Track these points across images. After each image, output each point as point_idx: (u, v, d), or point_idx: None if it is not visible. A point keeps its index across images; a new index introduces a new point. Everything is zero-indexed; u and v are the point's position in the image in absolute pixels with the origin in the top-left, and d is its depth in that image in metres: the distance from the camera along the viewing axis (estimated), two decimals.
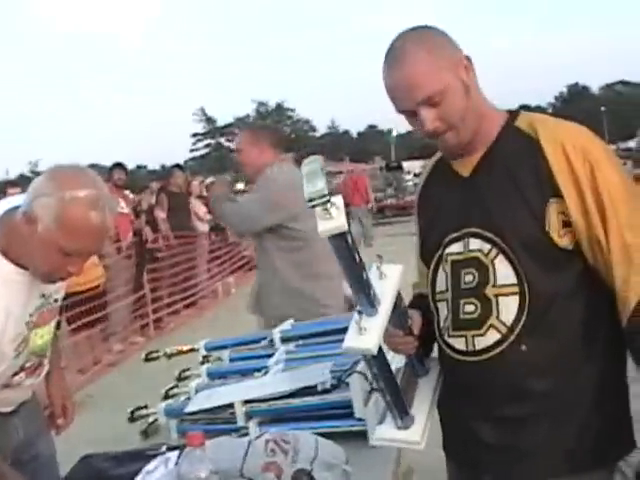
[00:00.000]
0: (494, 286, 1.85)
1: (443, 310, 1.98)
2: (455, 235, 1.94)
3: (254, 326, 4.41)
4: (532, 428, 1.85)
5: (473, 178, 1.93)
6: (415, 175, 48.15)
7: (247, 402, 2.53)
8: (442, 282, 1.98)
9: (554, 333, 1.83)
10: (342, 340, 3.00)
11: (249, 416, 2.50)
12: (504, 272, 1.84)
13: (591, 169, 1.77)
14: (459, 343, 1.92)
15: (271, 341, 3.13)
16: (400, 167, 51.06)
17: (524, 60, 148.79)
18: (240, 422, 2.50)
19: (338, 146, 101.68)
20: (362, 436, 2.36)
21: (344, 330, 3.01)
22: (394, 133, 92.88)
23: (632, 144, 49.08)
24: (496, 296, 1.85)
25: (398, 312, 1.90)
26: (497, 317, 1.85)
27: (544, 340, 1.83)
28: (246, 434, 2.40)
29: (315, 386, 2.49)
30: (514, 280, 1.83)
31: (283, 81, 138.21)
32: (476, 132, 1.89)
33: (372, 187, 26.74)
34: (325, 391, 2.48)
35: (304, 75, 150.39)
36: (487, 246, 1.87)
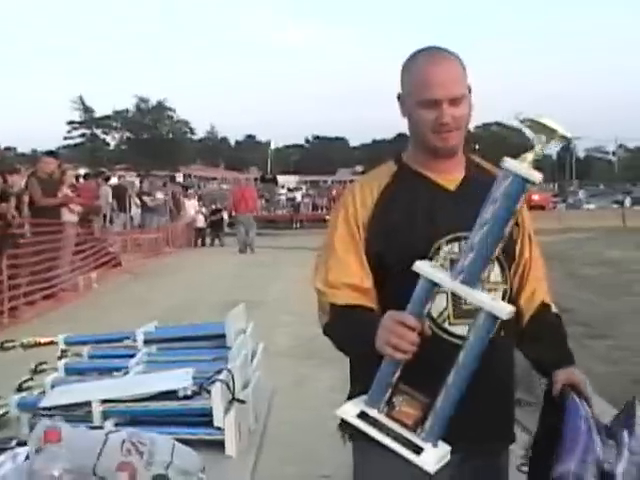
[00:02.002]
0: (488, 282, 2.20)
1: (441, 301, 2.18)
2: (451, 237, 2.22)
3: (115, 324, 4.33)
4: (500, 400, 2.28)
5: (460, 192, 2.29)
6: (289, 190, 48.60)
7: (105, 402, 2.47)
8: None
9: (513, 324, 2.27)
10: (207, 346, 3.00)
11: (106, 416, 2.44)
12: (495, 271, 2.27)
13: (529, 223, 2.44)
14: (461, 330, 2.16)
15: (134, 341, 3.07)
16: (275, 180, 51.30)
17: None
18: (96, 421, 2.43)
19: (215, 152, 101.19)
20: (219, 445, 2.35)
21: (208, 337, 3.00)
22: (272, 146, 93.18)
23: None
24: (489, 291, 2.16)
25: None
26: None
27: (511, 329, 2.29)
28: None
29: (176, 391, 2.45)
30: (500, 279, 2.29)
31: (167, 80, 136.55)
32: (460, 143, 2.28)
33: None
34: (186, 397, 2.45)
35: (188, 77, 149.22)
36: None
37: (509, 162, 1.90)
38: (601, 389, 6.26)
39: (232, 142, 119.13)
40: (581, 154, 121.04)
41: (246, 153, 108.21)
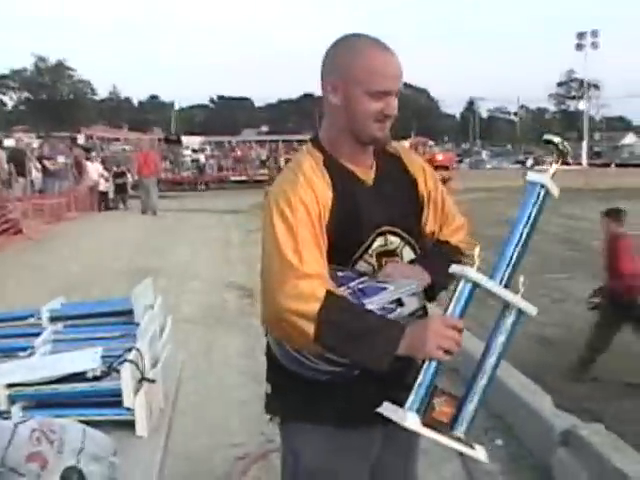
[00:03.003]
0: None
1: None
2: (377, 232, 2.28)
3: (17, 296, 4.23)
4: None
5: (376, 187, 2.32)
6: (194, 151, 48.02)
7: (11, 385, 2.42)
8: (366, 271, 2.26)
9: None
10: (115, 323, 2.96)
11: (12, 400, 2.40)
12: (409, 258, 2.35)
13: (435, 182, 2.46)
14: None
15: (39, 319, 3.01)
16: (179, 141, 50.53)
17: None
18: (2, 406, 2.39)
19: (118, 113, 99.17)
20: (130, 426, 2.34)
21: (116, 313, 2.96)
22: (176, 106, 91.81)
23: (406, 144, 51.71)
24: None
25: None
26: None
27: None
28: (8, 419, 2.31)
29: (85, 372, 2.43)
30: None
31: (67, 39, 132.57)
32: None
33: None
34: (95, 378, 2.43)
35: (90, 36, 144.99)
36: (398, 240, 2.32)
37: (538, 177, 2.11)
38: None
39: (135, 102, 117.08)
40: (484, 115, 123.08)
41: (150, 114, 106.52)
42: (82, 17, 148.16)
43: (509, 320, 2.07)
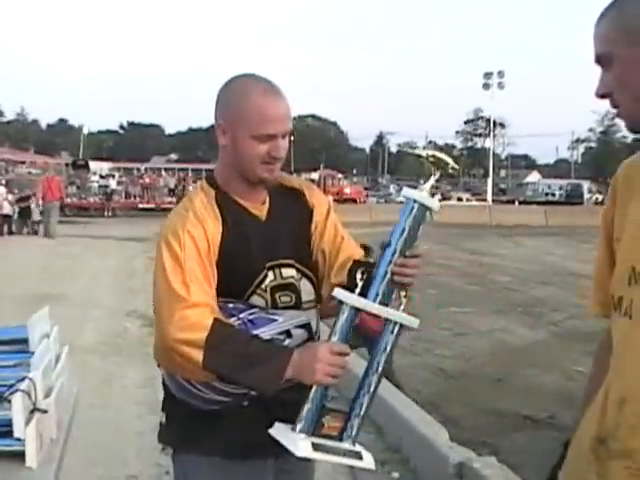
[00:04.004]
0: (303, 303, 2.34)
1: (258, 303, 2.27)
2: (268, 265, 2.30)
3: None
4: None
5: (269, 223, 2.34)
6: (102, 177, 47.40)
7: None
8: (260, 305, 2.28)
9: None
10: (8, 351, 2.91)
11: None
12: (308, 291, 2.37)
13: (329, 212, 2.47)
14: None
15: None
16: (87, 166, 49.87)
17: None
18: None
19: (25, 135, 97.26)
20: (20, 456, 2.31)
21: (11, 341, 2.92)
22: (85, 130, 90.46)
23: (315, 176, 52.15)
24: (305, 310, 2.34)
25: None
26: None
27: None
28: None
29: None
30: (313, 296, 2.39)
31: None
32: None
33: None
34: None
35: None
36: (294, 272, 2.35)
37: (411, 192, 2.09)
38: (404, 380, 6.57)
39: (43, 125, 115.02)
40: (394, 149, 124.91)
41: (58, 137, 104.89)
42: None
43: (390, 336, 2.10)
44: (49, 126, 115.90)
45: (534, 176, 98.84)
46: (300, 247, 2.39)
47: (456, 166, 2.16)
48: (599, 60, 1.76)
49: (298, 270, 2.37)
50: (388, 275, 2.07)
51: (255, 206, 2.34)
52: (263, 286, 2.29)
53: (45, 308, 3.15)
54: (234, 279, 2.24)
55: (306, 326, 2.28)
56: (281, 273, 2.33)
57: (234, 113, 2.22)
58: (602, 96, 1.76)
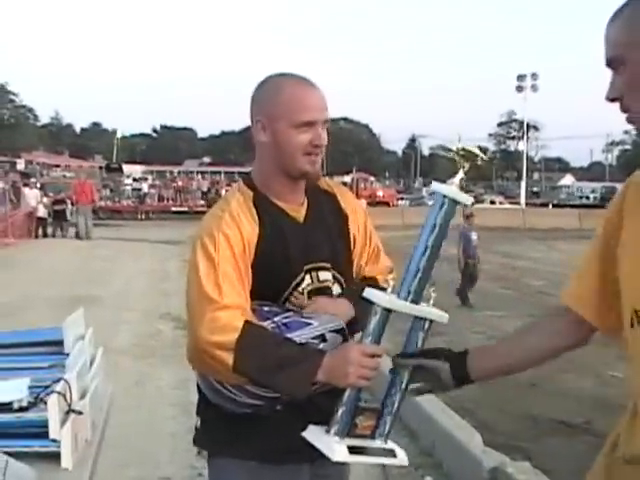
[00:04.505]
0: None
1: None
2: (306, 268, 2.30)
3: None
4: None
5: (307, 225, 2.34)
6: (135, 180, 47.74)
7: None
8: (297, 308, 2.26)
9: None
10: (44, 353, 2.93)
11: None
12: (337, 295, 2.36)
13: (366, 222, 2.49)
14: None
15: None
16: (121, 169, 50.24)
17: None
18: None
19: (59, 139, 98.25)
20: (56, 458, 2.32)
21: (46, 343, 2.94)
22: (118, 134, 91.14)
23: (347, 179, 52.14)
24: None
25: None
26: None
27: None
28: None
29: (11, 403, 2.40)
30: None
31: (9, 63, 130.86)
32: None
33: None
34: (21, 409, 2.40)
35: (33, 60, 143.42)
36: (329, 276, 2.34)
37: (441, 187, 2.04)
38: None
39: (77, 129, 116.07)
40: (426, 152, 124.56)
41: (92, 141, 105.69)
42: (24, 41, 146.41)
43: (421, 333, 2.08)
44: (83, 130, 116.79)
45: (568, 179, 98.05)
46: (336, 251, 2.39)
47: (485, 157, 2.15)
48: (610, 63, 1.73)
49: (333, 274, 2.36)
50: (420, 273, 2.03)
51: (293, 208, 2.34)
52: (300, 289, 2.29)
53: (80, 310, 3.17)
54: (271, 281, 2.24)
55: (341, 331, 2.24)
56: (318, 276, 2.33)
57: (273, 106, 2.23)
58: (612, 100, 1.74)
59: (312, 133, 2.22)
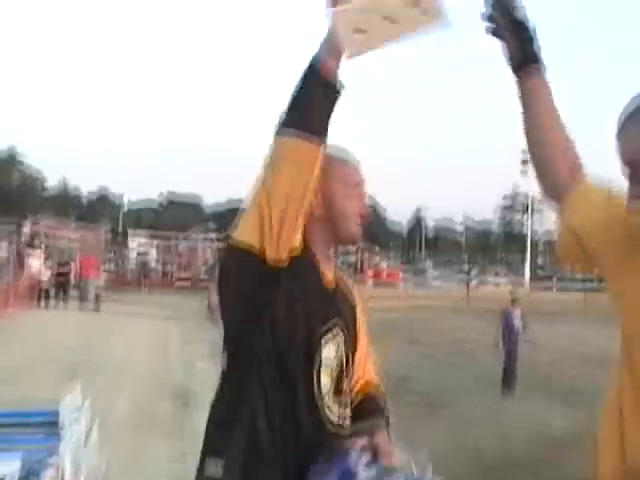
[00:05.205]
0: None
1: (327, 378, 2.26)
2: (327, 327, 2.27)
3: None
4: None
5: (335, 291, 2.38)
6: (140, 248, 47.75)
7: None
8: (332, 354, 2.29)
9: None
10: (39, 428, 2.89)
11: None
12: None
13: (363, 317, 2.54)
14: (335, 408, 2.28)
15: None
16: (126, 238, 50.36)
17: None
18: None
19: (66, 205, 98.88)
20: None
21: (42, 419, 2.90)
22: (125, 201, 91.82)
23: (352, 257, 52.15)
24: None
25: None
26: None
27: None
28: None
29: (2, 478, 2.36)
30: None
31: (18, 129, 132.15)
32: None
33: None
34: None
35: (42, 129, 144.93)
36: (342, 336, 2.32)
37: None
38: (437, 459, 6.41)
39: (84, 196, 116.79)
40: (431, 225, 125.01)
41: (98, 208, 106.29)
42: (34, 109, 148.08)
43: None
44: (90, 197, 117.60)
45: None
46: (351, 326, 2.43)
47: None
48: (629, 164, 1.73)
49: (344, 332, 2.39)
50: None
51: (326, 272, 2.36)
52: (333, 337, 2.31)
53: (77, 386, 3.14)
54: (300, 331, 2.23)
55: None
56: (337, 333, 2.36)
57: (327, 173, 2.25)
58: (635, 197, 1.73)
59: (359, 201, 2.36)
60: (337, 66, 2.07)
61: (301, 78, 2.07)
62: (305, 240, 2.22)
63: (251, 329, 2.17)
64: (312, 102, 2.06)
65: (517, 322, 12.83)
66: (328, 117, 2.10)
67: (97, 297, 25.87)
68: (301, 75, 2.07)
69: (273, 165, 2.08)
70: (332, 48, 2.05)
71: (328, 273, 2.35)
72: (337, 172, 2.31)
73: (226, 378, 2.26)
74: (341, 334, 2.32)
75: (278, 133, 2.07)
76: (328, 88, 2.07)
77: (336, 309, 2.34)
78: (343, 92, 2.10)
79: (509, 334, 12.66)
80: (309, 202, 2.14)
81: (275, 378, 2.16)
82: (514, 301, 13.14)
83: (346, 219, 2.32)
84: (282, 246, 2.07)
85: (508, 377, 12.27)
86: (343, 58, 2.06)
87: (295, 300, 2.19)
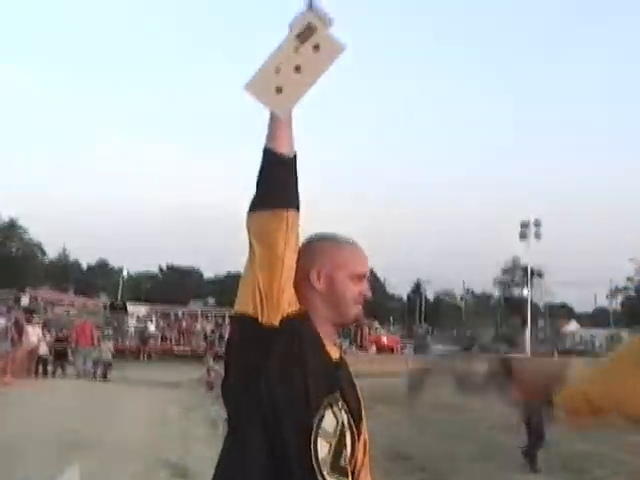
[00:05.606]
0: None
1: (324, 449, 2.27)
2: (333, 396, 2.34)
3: None
4: None
5: (339, 365, 2.44)
6: (139, 319, 47.65)
7: None
8: (331, 424, 2.31)
9: None
10: None
11: None
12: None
13: None
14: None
15: None
16: (125, 308, 50.27)
17: None
18: None
19: (65, 275, 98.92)
20: None
21: None
22: (125, 272, 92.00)
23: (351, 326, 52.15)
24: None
25: None
26: None
27: None
28: None
29: None
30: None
31: (19, 199, 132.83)
32: None
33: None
34: None
35: (42, 195, 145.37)
36: (345, 417, 2.36)
37: None
38: None
39: (84, 266, 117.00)
40: (431, 296, 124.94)
41: (97, 278, 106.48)
42: (35, 178, 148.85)
43: None
44: (89, 267, 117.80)
45: (573, 325, 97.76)
46: (357, 406, 2.48)
47: None
48: None
49: (349, 417, 2.43)
50: None
51: (330, 347, 2.44)
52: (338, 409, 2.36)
53: (75, 467, 3.07)
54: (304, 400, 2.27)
55: None
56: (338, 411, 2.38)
57: (333, 258, 2.46)
58: None
59: (361, 285, 2.47)
60: (286, 135, 2.25)
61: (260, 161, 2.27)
62: (307, 311, 2.37)
63: (247, 393, 2.24)
64: (267, 179, 2.25)
65: None
66: (286, 186, 2.25)
67: (106, 365, 26.47)
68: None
69: (250, 239, 2.27)
70: (271, 122, 2.24)
71: (330, 345, 2.42)
72: (342, 257, 2.46)
73: (225, 443, 2.33)
74: (342, 408, 2.36)
75: (248, 211, 2.27)
76: (280, 162, 2.25)
77: (338, 382, 2.39)
78: (298, 159, 2.28)
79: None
80: (293, 266, 2.30)
81: (271, 444, 2.20)
82: None
83: (346, 302, 2.44)
84: (273, 311, 2.23)
85: (531, 453, 11.81)
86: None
87: (292, 366, 2.25)
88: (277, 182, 2.24)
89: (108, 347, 28.07)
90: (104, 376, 25.97)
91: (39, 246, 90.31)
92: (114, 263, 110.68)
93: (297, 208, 2.27)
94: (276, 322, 2.23)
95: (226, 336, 2.90)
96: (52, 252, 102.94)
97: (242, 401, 2.26)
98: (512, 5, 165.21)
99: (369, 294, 2.49)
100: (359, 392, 2.52)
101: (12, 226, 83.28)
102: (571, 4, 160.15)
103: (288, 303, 2.27)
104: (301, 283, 2.39)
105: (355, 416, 2.42)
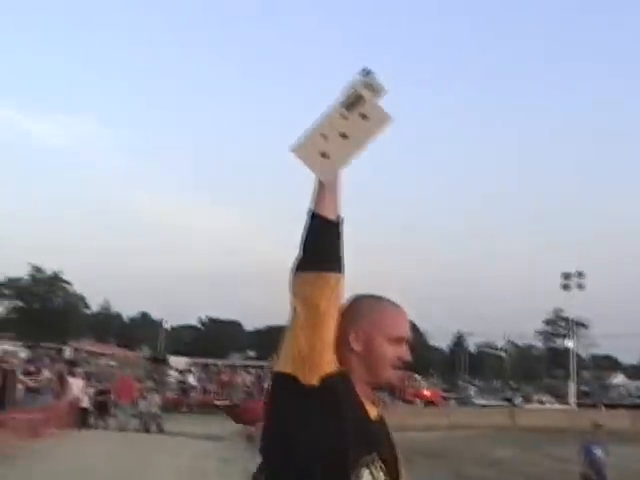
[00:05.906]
0: None
1: None
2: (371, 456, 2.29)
3: None
4: None
5: (378, 424, 2.40)
6: (179, 372, 47.76)
7: None
8: None
9: None
10: None
11: None
12: None
13: None
14: None
15: None
16: (165, 361, 50.47)
17: None
18: None
19: (107, 327, 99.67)
20: None
21: None
22: (165, 325, 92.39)
23: None
24: None
25: None
26: None
27: None
28: None
29: None
30: None
31: (64, 253, 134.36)
32: None
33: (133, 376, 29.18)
34: None
35: (85, 254, 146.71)
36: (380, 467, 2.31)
37: None
38: None
39: (125, 318, 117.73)
40: (472, 348, 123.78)
41: (139, 330, 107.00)
42: (78, 234, 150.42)
43: None
44: (131, 319, 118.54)
45: (619, 378, 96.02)
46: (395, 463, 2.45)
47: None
48: None
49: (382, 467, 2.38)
50: None
51: (370, 406, 2.42)
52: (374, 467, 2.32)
53: None
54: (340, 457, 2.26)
55: None
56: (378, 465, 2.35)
57: (372, 320, 2.44)
58: None
59: (401, 349, 2.45)
60: (330, 199, 2.31)
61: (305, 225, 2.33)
62: (346, 371, 2.35)
63: (285, 450, 2.24)
64: (312, 242, 2.30)
65: (599, 453, 11.65)
66: (331, 249, 2.31)
67: (155, 417, 27.20)
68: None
69: (294, 300, 2.30)
70: (317, 186, 2.31)
71: (369, 404, 2.40)
72: (382, 320, 2.44)
73: None
74: (380, 468, 2.32)
75: (293, 272, 2.32)
76: (325, 226, 2.30)
77: (376, 441, 2.35)
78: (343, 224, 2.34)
79: (596, 472, 11.51)
80: (334, 328, 2.31)
81: None
82: (597, 429, 12.07)
83: (383, 365, 2.42)
84: (313, 370, 2.23)
85: None
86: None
87: (330, 425, 2.23)
88: (322, 245, 2.29)
89: (155, 400, 28.10)
90: (159, 429, 26.47)
91: (82, 299, 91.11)
92: (155, 316, 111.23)
93: (341, 271, 2.31)
94: (316, 382, 2.23)
95: (266, 389, 2.93)
96: (95, 305, 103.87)
97: (279, 458, 2.25)
98: None
99: (409, 358, 2.46)
100: (397, 451, 2.48)
101: (55, 278, 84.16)
102: None
103: (327, 363, 2.27)
104: (341, 343, 2.38)
105: (393, 475, 2.37)
